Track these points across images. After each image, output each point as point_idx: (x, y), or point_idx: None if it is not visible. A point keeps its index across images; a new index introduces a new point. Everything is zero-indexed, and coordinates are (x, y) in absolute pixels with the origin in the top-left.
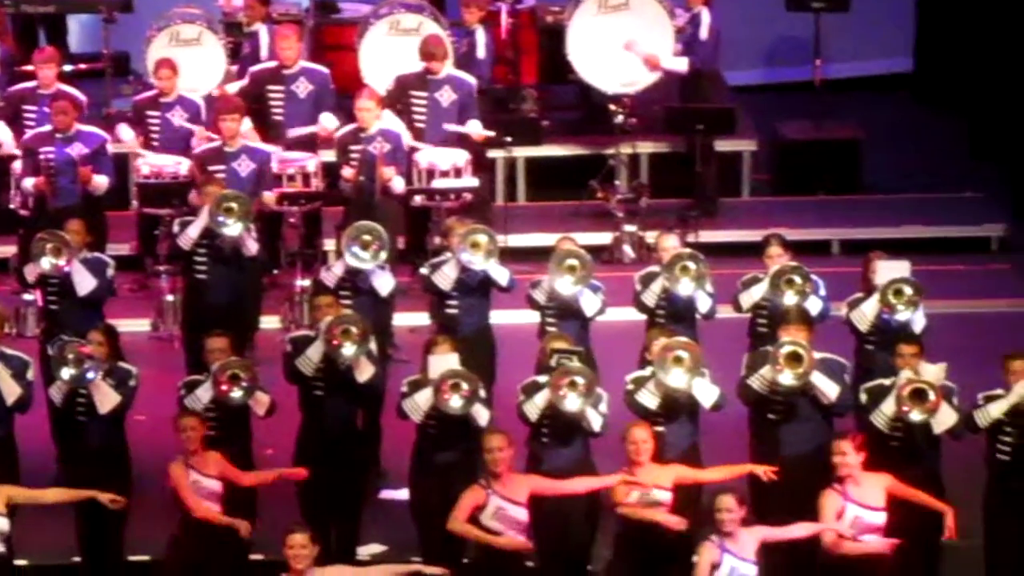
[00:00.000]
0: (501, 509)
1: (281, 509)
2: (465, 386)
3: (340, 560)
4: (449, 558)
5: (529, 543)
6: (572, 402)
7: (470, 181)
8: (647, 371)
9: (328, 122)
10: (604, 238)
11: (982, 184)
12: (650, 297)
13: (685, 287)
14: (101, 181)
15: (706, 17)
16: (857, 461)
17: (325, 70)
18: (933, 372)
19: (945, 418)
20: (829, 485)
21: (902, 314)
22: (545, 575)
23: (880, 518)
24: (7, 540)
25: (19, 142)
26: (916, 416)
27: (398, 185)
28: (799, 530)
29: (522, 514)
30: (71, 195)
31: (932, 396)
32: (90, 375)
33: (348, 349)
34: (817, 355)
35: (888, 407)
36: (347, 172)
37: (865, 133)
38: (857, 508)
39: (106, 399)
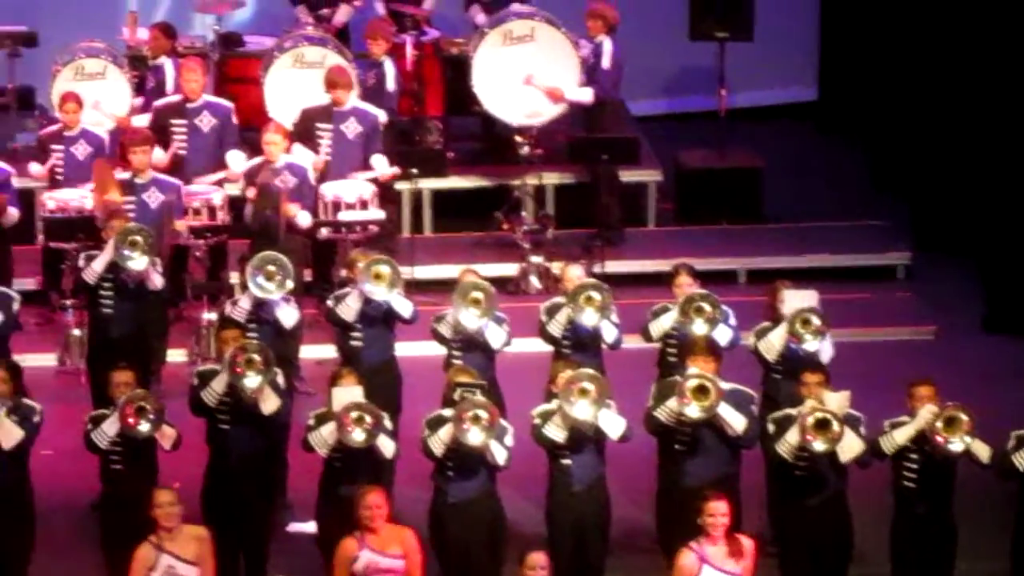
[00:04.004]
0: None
1: None
2: (368, 419)
3: None
4: None
5: None
6: (475, 436)
7: (376, 213)
8: (553, 404)
9: (235, 164)
10: (510, 269)
11: (883, 213)
12: (556, 327)
13: (590, 317)
14: (14, 212)
15: (608, 47)
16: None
17: (229, 104)
18: (836, 400)
19: (850, 446)
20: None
21: (809, 344)
22: None
23: None
24: None
25: None
26: (820, 445)
27: (304, 220)
28: None
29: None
30: None
31: (835, 425)
32: None
33: (251, 379)
34: (725, 386)
35: (793, 436)
36: (250, 192)
37: (767, 162)
38: (713, 571)
39: (9, 435)
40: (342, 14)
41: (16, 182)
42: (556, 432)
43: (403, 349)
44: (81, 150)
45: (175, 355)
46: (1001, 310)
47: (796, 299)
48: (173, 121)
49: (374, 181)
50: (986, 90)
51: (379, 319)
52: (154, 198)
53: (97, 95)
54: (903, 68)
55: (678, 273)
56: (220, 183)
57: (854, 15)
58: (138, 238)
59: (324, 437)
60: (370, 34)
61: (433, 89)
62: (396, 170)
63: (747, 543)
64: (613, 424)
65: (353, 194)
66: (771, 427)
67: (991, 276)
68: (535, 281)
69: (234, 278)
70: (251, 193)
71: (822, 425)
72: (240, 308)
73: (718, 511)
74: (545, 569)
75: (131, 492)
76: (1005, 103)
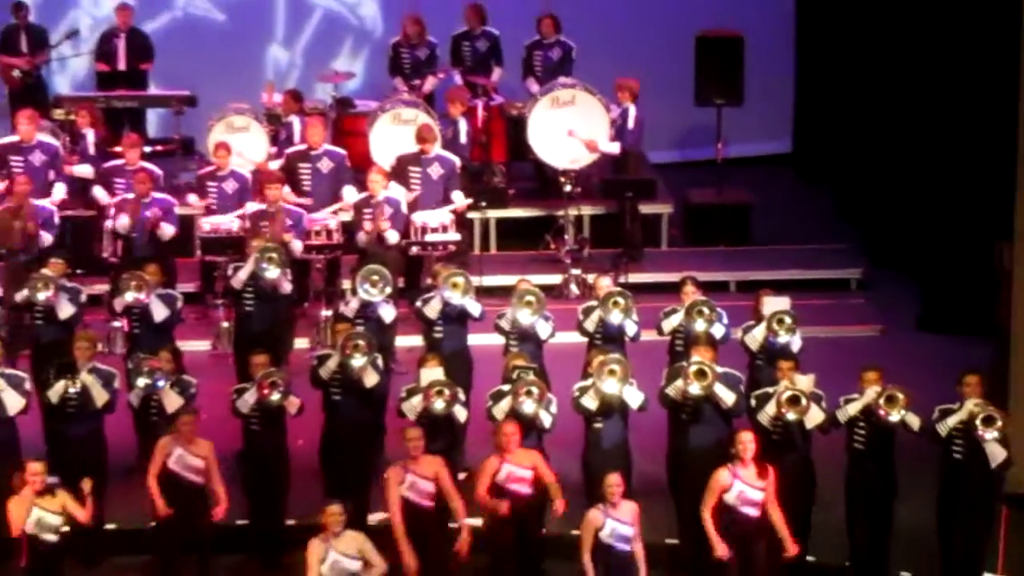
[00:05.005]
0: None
1: (310, 485)
2: (447, 392)
3: (354, 525)
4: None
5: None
6: (528, 406)
7: (453, 235)
8: (588, 381)
9: (349, 196)
10: (555, 279)
11: (843, 238)
12: (590, 324)
13: (616, 317)
14: (168, 229)
15: (633, 110)
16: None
17: (343, 151)
18: (804, 382)
19: (815, 417)
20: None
21: (783, 338)
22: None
23: (759, 495)
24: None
25: (112, 206)
26: (791, 416)
27: (391, 237)
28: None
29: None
30: (149, 246)
31: (803, 401)
32: (159, 383)
33: (357, 360)
34: (720, 370)
35: (770, 409)
36: (367, 226)
37: (754, 199)
38: (742, 485)
39: (172, 402)
40: (429, 84)
41: (178, 209)
42: (590, 402)
43: (474, 340)
44: (230, 186)
45: (300, 343)
46: (932, 313)
47: (774, 303)
48: (300, 165)
49: (453, 211)
50: (924, 143)
51: (455, 317)
52: (285, 222)
53: (241, 145)
54: (860, 129)
55: (684, 283)
56: (336, 212)
57: (820, 88)
58: (273, 254)
59: (413, 406)
60: (450, 99)
61: (497, 141)
62: (469, 201)
63: (770, 469)
64: (634, 397)
65: (436, 221)
66: (754, 402)
67: (927, 287)
68: (574, 288)
69: (346, 284)
70: (367, 227)
71: (793, 400)
72: (350, 307)
73: (746, 439)
74: (620, 486)
75: (266, 447)
76: (938, 151)
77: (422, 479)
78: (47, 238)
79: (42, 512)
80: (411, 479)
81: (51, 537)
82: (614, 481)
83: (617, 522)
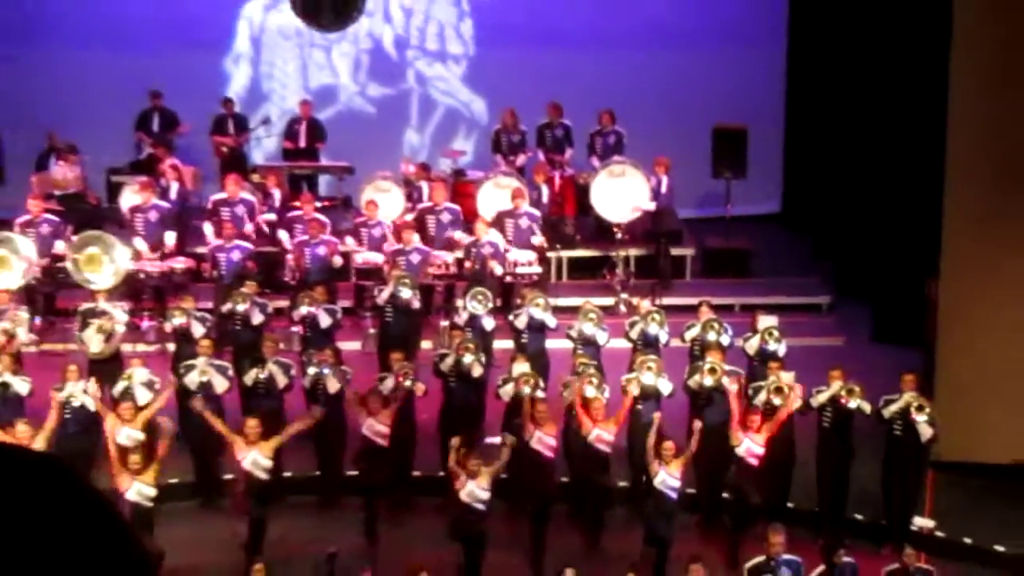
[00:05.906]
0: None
1: (431, 447)
2: (531, 381)
3: None
4: (527, 478)
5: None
6: (590, 391)
7: (536, 268)
8: (633, 374)
9: (461, 239)
10: (609, 301)
11: (817, 274)
12: (634, 334)
13: (653, 328)
14: (338, 260)
15: (665, 180)
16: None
17: (458, 208)
18: (787, 378)
19: (795, 403)
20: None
21: (772, 346)
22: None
23: (759, 450)
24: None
25: (292, 245)
26: (777, 402)
27: (498, 270)
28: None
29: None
30: (318, 273)
31: (786, 391)
32: (324, 372)
33: (467, 357)
34: (727, 367)
35: (762, 397)
36: (467, 264)
37: (753, 245)
38: (749, 442)
39: (333, 386)
40: (521, 159)
41: (341, 247)
42: (634, 389)
43: (550, 344)
44: (377, 232)
45: (425, 345)
46: (881, 329)
47: (766, 320)
48: (427, 217)
49: (536, 250)
50: (877, 206)
51: (537, 327)
52: (415, 257)
53: (384, 202)
54: (831, 195)
55: (701, 305)
56: (450, 246)
57: (802, 166)
58: (407, 280)
59: (507, 391)
60: (536, 171)
61: (569, 201)
62: (546, 244)
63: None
64: (665, 386)
65: (524, 258)
66: (751, 392)
67: (877, 310)
68: (623, 308)
69: (459, 302)
70: (467, 264)
71: (779, 391)
72: (462, 319)
73: (755, 417)
74: (673, 449)
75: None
76: (887, 213)
77: (547, 436)
78: (248, 266)
79: (256, 455)
80: (538, 435)
81: (263, 475)
82: (669, 445)
83: (668, 475)
